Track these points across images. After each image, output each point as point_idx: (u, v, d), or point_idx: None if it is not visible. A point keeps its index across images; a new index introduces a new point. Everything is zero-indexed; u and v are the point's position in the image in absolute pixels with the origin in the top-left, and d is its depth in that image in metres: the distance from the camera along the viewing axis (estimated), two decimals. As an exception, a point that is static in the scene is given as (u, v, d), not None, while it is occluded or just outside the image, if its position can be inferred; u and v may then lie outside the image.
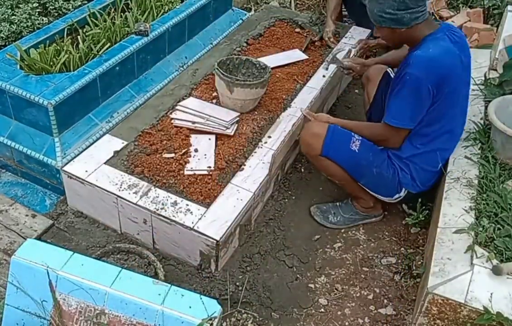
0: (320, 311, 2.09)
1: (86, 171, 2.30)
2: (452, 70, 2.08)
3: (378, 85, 2.51)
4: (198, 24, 3.34)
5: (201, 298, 1.61)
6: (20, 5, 3.13)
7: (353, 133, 2.27)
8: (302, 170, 2.76)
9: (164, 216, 2.11)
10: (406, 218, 2.40)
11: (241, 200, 2.22)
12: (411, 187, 2.27)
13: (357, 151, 2.23)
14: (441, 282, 1.75)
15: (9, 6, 3.12)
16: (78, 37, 2.84)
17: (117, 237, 2.32)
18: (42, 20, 3.12)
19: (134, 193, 2.20)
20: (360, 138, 2.26)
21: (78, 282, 1.62)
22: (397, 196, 2.32)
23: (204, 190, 2.23)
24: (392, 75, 2.45)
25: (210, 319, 1.55)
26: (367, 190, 2.35)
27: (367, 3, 2.17)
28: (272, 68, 2.87)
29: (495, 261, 1.78)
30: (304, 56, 3.22)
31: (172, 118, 2.61)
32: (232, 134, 2.53)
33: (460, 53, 2.12)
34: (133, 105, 2.76)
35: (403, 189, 2.28)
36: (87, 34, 2.86)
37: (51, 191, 2.53)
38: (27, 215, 2.37)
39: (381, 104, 2.26)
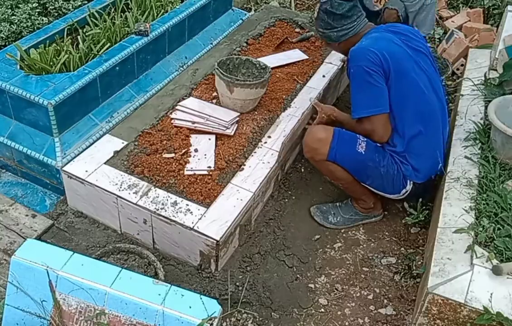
0: (320, 311, 2.09)
1: (86, 171, 2.30)
2: (390, 52, 2.17)
3: None
4: (198, 24, 3.34)
5: (201, 298, 1.61)
6: (20, 5, 3.13)
7: (358, 135, 2.29)
8: (302, 170, 2.76)
9: (164, 216, 2.11)
10: (406, 217, 2.39)
11: (241, 200, 2.22)
12: (415, 177, 2.27)
13: (363, 153, 2.24)
14: (441, 282, 1.75)
15: (9, 6, 3.12)
16: (78, 37, 2.84)
17: (117, 237, 2.32)
18: (42, 20, 3.12)
19: (134, 193, 2.20)
20: (365, 139, 2.27)
21: (78, 282, 1.62)
22: (404, 191, 2.30)
23: (204, 190, 2.23)
24: None
25: (210, 319, 1.55)
26: (373, 190, 2.35)
27: None
28: (272, 68, 2.87)
29: (495, 261, 1.78)
30: (304, 56, 3.22)
31: (172, 118, 2.61)
32: (232, 134, 2.53)
33: (407, 41, 2.25)
34: (133, 105, 2.77)
35: (408, 182, 2.28)
36: (87, 34, 2.86)
37: (51, 191, 2.53)
38: (27, 215, 2.37)
39: None
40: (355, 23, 2.29)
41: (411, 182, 2.28)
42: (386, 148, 2.27)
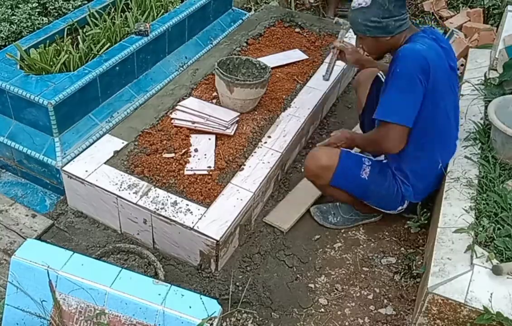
0: (320, 311, 2.09)
1: (86, 171, 2.30)
2: (437, 67, 2.03)
3: (369, 89, 2.48)
4: (198, 24, 3.34)
5: (201, 298, 1.61)
6: (20, 5, 3.13)
7: (363, 160, 2.24)
8: (302, 170, 2.76)
9: (164, 216, 2.11)
10: (408, 222, 2.39)
11: (241, 200, 2.22)
12: (413, 198, 2.27)
13: (367, 178, 2.22)
14: (441, 282, 1.75)
15: (9, 6, 3.12)
16: (78, 37, 2.84)
17: (117, 237, 2.32)
18: (42, 20, 3.12)
19: (134, 193, 2.20)
20: (370, 163, 2.23)
21: (78, 282, 1.62)
22: (399, 208, 2.31)
23: (204, 190, 2.23)
24: (383, 79, 2.41)
25: (210, 319, 1.55)
26: (371, 206, 2.35)
27: (349, 13, 2.15)
28: (272, 68, 2.87)
29: (495, 261, 1.78)
30: (304, 56, 3.22)
31: (172, 118, 2.61)
32: (232, 134, 2.53)
33: (447, 57, 2.11)
34: (133, 105, 2.77)
35: (406, 201, 2.28)
36: (87, 34, 2.86)
37: (51, 191, 2.53)
38: (27, 215, 2.37)
39: (374, 108, 2.23)
40: (408, 15, 2.09)
41: (408, 201, 2.29)
42: (390, 165, 2.23)
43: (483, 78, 2.83)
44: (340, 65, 3.06)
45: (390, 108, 2.06)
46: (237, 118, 2.61)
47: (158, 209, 2.13)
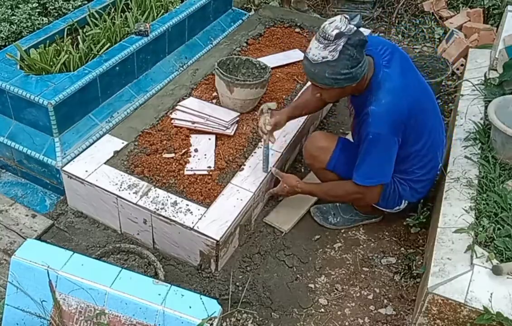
0: (320, 311, 2.09)
1: (86, 171, 2.30)
2: (410, 104, 2.02)
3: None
4: (198, 24, 3.34)
5: (201, 298, 1.61)
6: (20, 5, 3.13)
7: None
8: (302, 170, 2.76)
9: (164, 216, 2.11)
10: (407, 219, 2.40)
11: (241, 200, 2.22)
12: (411, 197, 2.28)
13: None
14: (441, 282, 1.75)
15: (9, 6, 3.12)
16: (78, 37, 2.84)
17: (117, 237, 2.32)
18: (42, 20, 3.12)
19: (134, 193, 2.20)
20: None
21: (78, 282, 1.62)
22: (396, 208, 2.31)
23: (204, 190, 2.23)
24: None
25: (210, 319, 1.55)
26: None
27: (309, 67, 1.95)
28: (272, 68, 2.87)
29: (495, 261, 1.78)
30: (304, 56, 3.22)
31: (172, 118, 2.61)
32: (232, 134, 2.53)
33: (403, 72, 2.05)
34: (133, 105, 2.76)
35: (403, 201, 2.29)
36: (87, 34, 2.86)
37: (51, 191, 2.53)
38: (27, 215, 2.37)
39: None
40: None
41: (406, 202, 2.29)
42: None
43: (483, 78, 2.83)
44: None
45: (369, 173, 2.10)
46: (237, 118, 2.61)
47: (158, 209, 2.13)
